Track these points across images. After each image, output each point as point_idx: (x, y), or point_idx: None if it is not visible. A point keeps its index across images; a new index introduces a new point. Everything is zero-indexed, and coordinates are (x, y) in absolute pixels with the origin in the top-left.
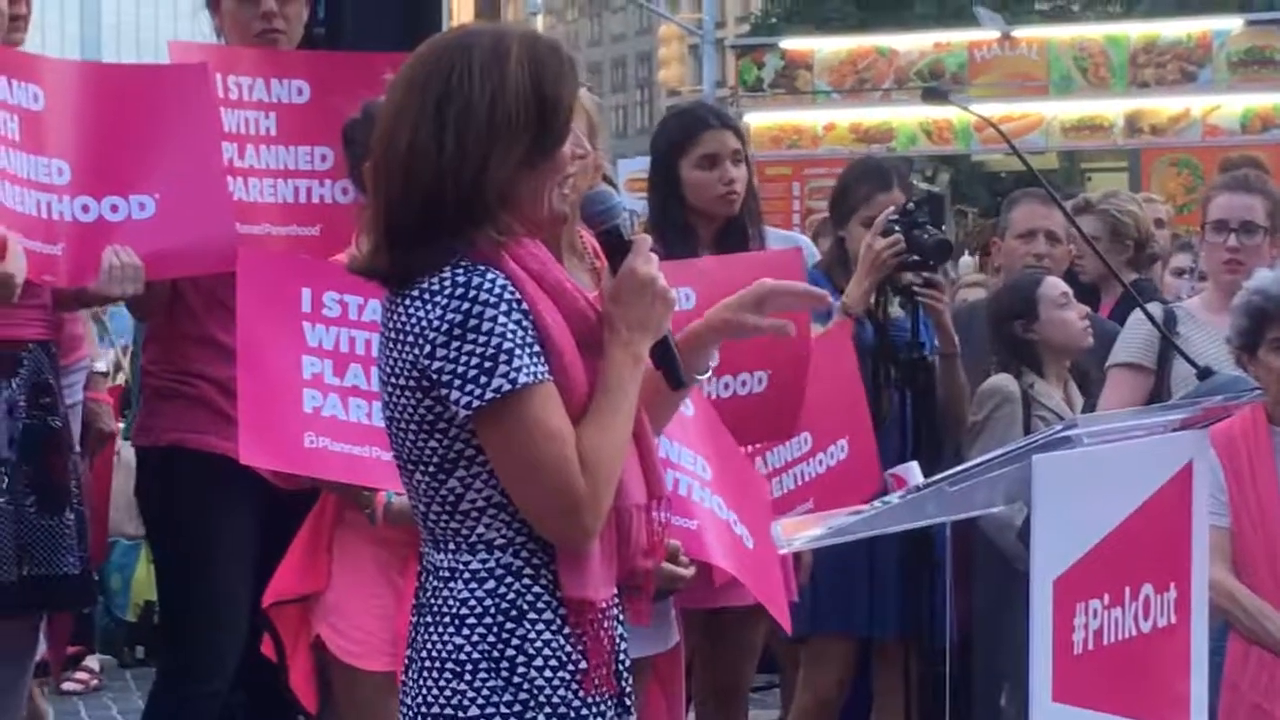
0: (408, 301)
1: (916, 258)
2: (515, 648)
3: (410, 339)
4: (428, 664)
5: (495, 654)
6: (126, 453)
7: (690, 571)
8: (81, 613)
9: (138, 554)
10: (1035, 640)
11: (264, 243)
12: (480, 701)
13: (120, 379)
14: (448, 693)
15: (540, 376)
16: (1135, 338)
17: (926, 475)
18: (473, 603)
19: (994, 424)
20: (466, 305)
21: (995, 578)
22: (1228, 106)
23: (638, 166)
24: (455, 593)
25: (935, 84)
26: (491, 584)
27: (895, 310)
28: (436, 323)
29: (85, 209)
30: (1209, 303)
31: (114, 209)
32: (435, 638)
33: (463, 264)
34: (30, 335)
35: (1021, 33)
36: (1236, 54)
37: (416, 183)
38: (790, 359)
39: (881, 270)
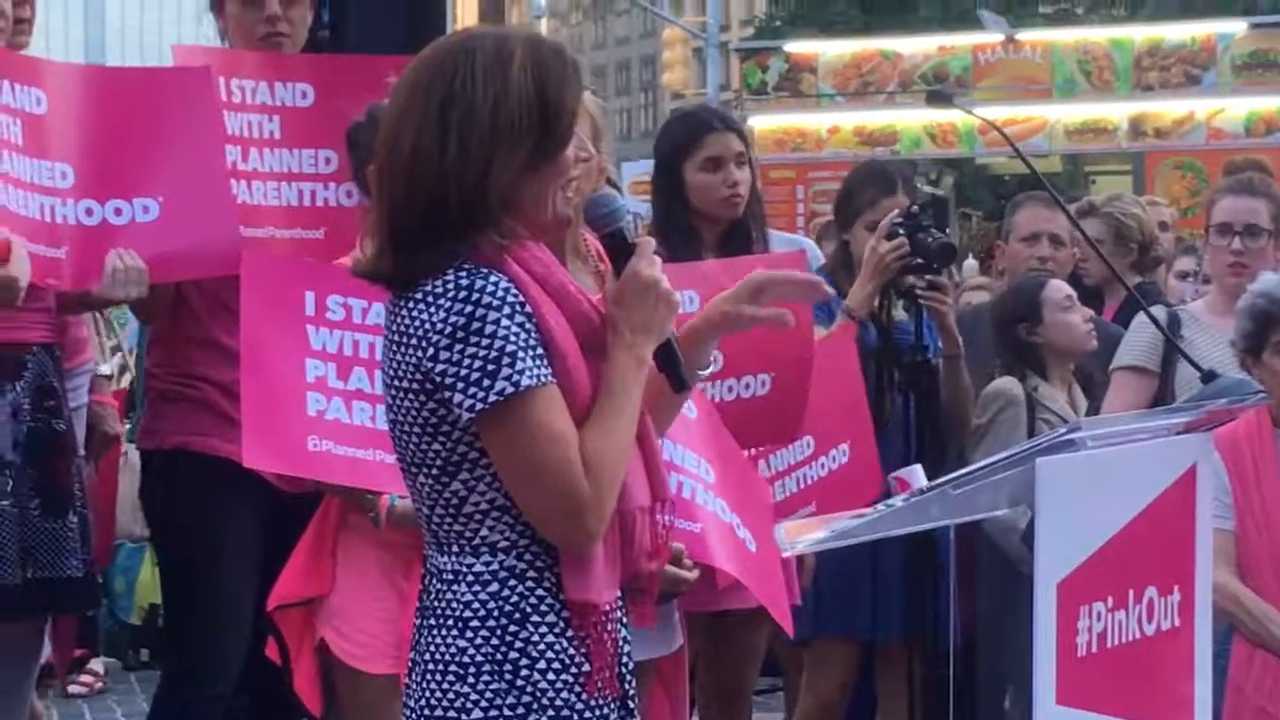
0: (411, 304)
1: (920, 261)
2: (518, 650)
3: (414, 342)
4: (431, 666)
5: (498, 656)
6: (133, 455)
7: (694, 574)
8: (86, 616)
9: (142, 557)
10: (1039, 643)
11: (268, 246)
12: (483, 704)
13: (125, 381)
14: (450, 695)
15: (543, 379)
16: (1139, 341)
17: (930, 478)
18: (476, 605)
19: (998, 427)
20: (470, 308)
21: (999, 581)
22: (1232, 109)
23: (642, 169)
24: (458, 595)
25: (939, 87)
26: (495, 586)
27: (899, 313)
28: (440, 325)
29: (89, 212)
30: (1213, 306)
31: (118, 212)
32: (438, 640)
33: (466, 267)
34: (34, 338)
35: (1026, 36)
36: (1240, 57)
37: (420, 186)
38: (794, 362)
39: (885, 273)
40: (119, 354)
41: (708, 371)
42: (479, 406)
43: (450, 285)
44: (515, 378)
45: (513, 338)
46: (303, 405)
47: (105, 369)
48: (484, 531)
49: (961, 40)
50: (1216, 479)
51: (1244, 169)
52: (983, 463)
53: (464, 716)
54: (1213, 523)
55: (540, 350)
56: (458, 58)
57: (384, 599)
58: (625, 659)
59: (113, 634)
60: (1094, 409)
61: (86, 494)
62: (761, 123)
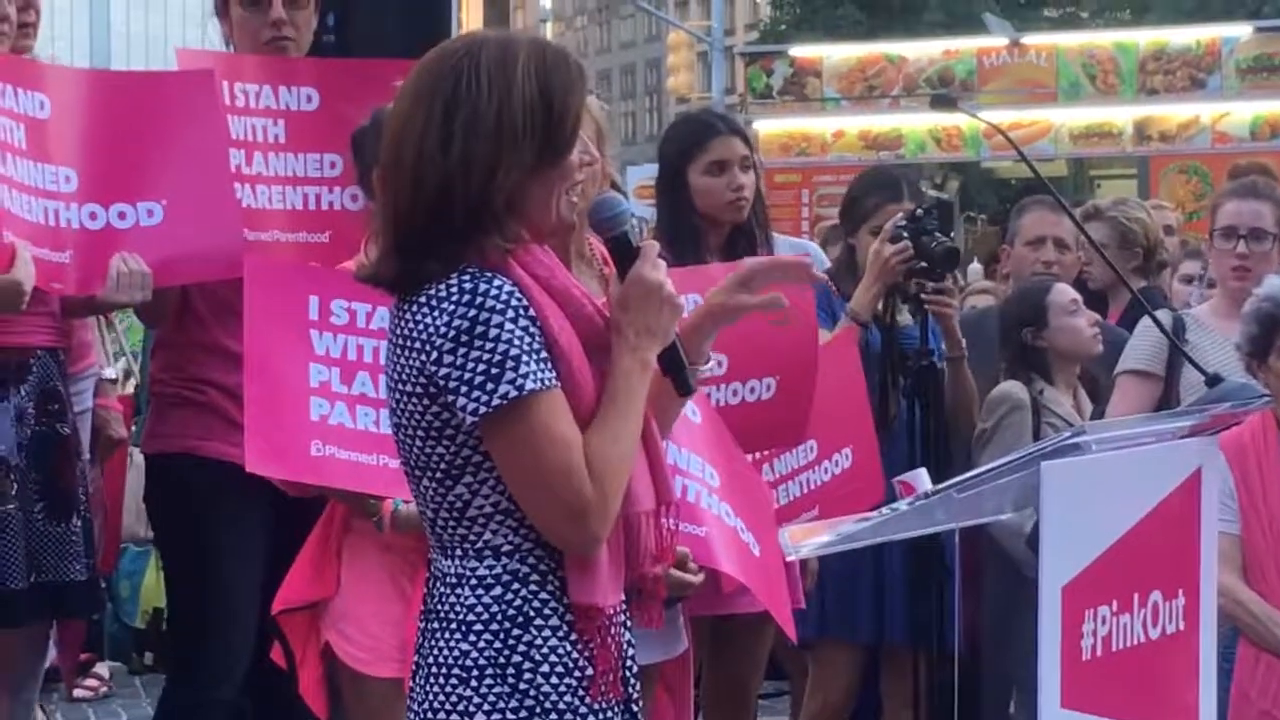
0: (415, 308)
1: (924, 264)
2: (522, 654)
3: (417, 345)
4: (434, 670)
5: (502, 660)
6: (137, 458)
7: (699, 578)
8: (91, 619)
9: (147, 561)
10: (1044, 647)
11: (273, 249)
12: (486, 707)
13: (129, 387)
14: (454, 699)
15: (547, 383)
16: (1144, 345)
17: (935, 482)
18: (479, 609)
19: (1003, 431)
20: (474, 312)
21: (1004, 584)
22: (1237, 113)
23: (646, 173)
24: (462, 599)
25: (944, 91)
26: (498, 590)
27: (904, 318)
28: (444, 329)
29: (93, 216)
30: (1217, 309)
31: (122, 216)
32: (442, 644)
33: (470, 271)
34: (38, 342)
35: (1030, 40)
36: (1245, 61)
37: (424, 190)
38: (799, 365)
39: (889, 276)
40: (122, 359)
41: (707, 370)
42: (483, 410)
43: (454, 289)
44: (519, 381)
45: (516, 341)
46: (306, 410)
47: (110, 372)
48: (487, 535)
49: (966, 44)
50: (1222, 483)
51: (1249, 173)
52: (987, 466)
53: None
54: (1218, 526)
55: (544, 354)
56: (462, 61)
57: (389, 603)
58: (629, 663)
59: (117, 638)
60: (1099, 413)
61: (91, 498)
62: (766, 126)
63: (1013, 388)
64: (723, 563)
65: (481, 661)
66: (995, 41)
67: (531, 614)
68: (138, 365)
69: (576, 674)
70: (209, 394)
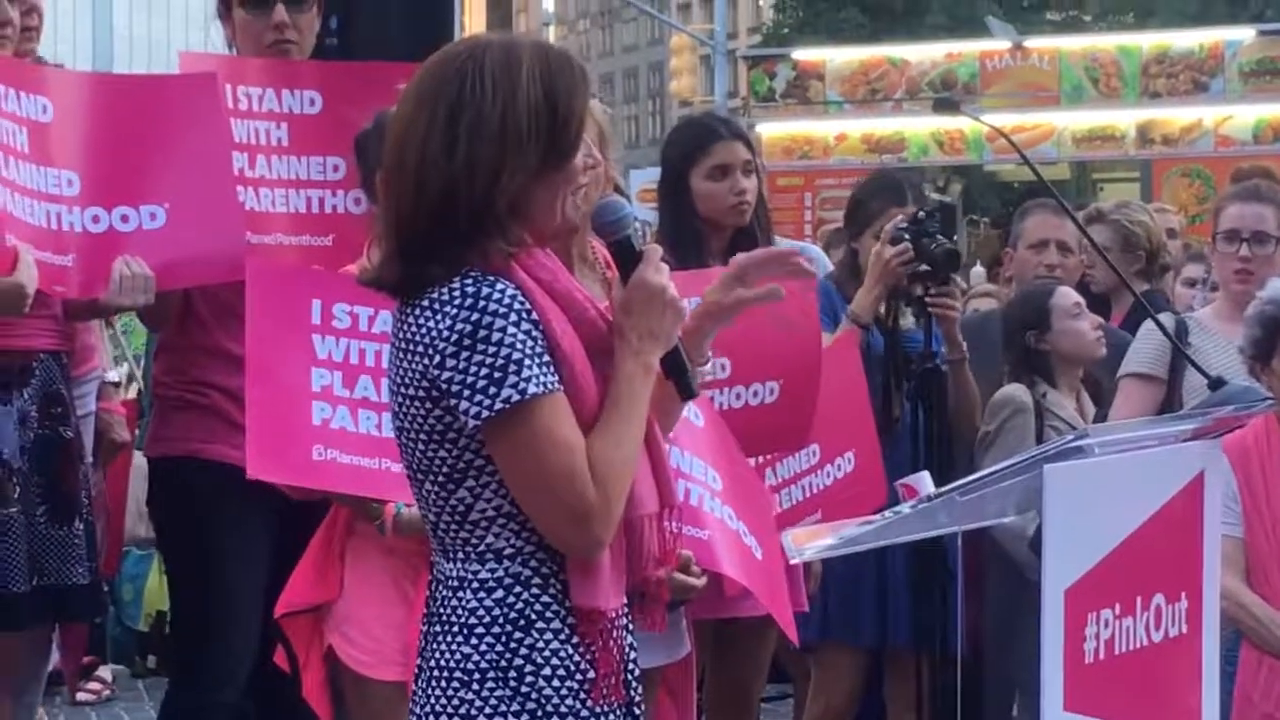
0: (417, 312)
1: (925, 267)
2: (523, 657)
3: (420, 349)
4: (437, 673)
5: (503, 663)
6: (140, 461)
7: (702, 581)
8: (93, 623)
9: (150, 564)
10: (1046, 650)
11: (276, 253)
12: (488, 711)
13: (132, 392)
14: (455, 702)
15: (550, 387)
16: (1146, 348)
17: (938, 485)
18: (481, 612)
19: (1006, 434)
20: (476, 315)
21: (1007, 587)
22: (1240, 117)
23: (649, 177)
24: (464, 602)
25: (947, 94)
26: (500, 593)
27: (907, 321)
28: (446, 333)
29: (95, 219)
30: (1220, 313)
31: (124, 219)
32: (444, 647)
33: (472, 274)
34: (41, 346)
35: (1033, 43)
36: (1248, 64)
37: (427, 194)
38: (802, 369)
39: (889, 278)
40: (124, 364)
41: (708, 371)
42: (485, 414)
43: (457, 292)
44: (522, 385)
45: (519, 345)
46: (308, 414)
47: (113, 376)
48: (489, 538)
49: (969, 47)
50: (1225, 486)
51: (1251, 176)
52: (990, 469)
53: None
54: (1221, 529)
55: (547, 358)
56: (466, 65)
57: (391, 606)
58: (631, 666)
59: (120, 641)
60: (1102, 416)
61: (94, 501)
62: (769, 130)
63: (1016, 391)
64: (725, 566)
65: (483, 665)
66: (998, 45)
67: (533, 617)
68: (140, 371)
69: (578, 677)
70: (211, 397)
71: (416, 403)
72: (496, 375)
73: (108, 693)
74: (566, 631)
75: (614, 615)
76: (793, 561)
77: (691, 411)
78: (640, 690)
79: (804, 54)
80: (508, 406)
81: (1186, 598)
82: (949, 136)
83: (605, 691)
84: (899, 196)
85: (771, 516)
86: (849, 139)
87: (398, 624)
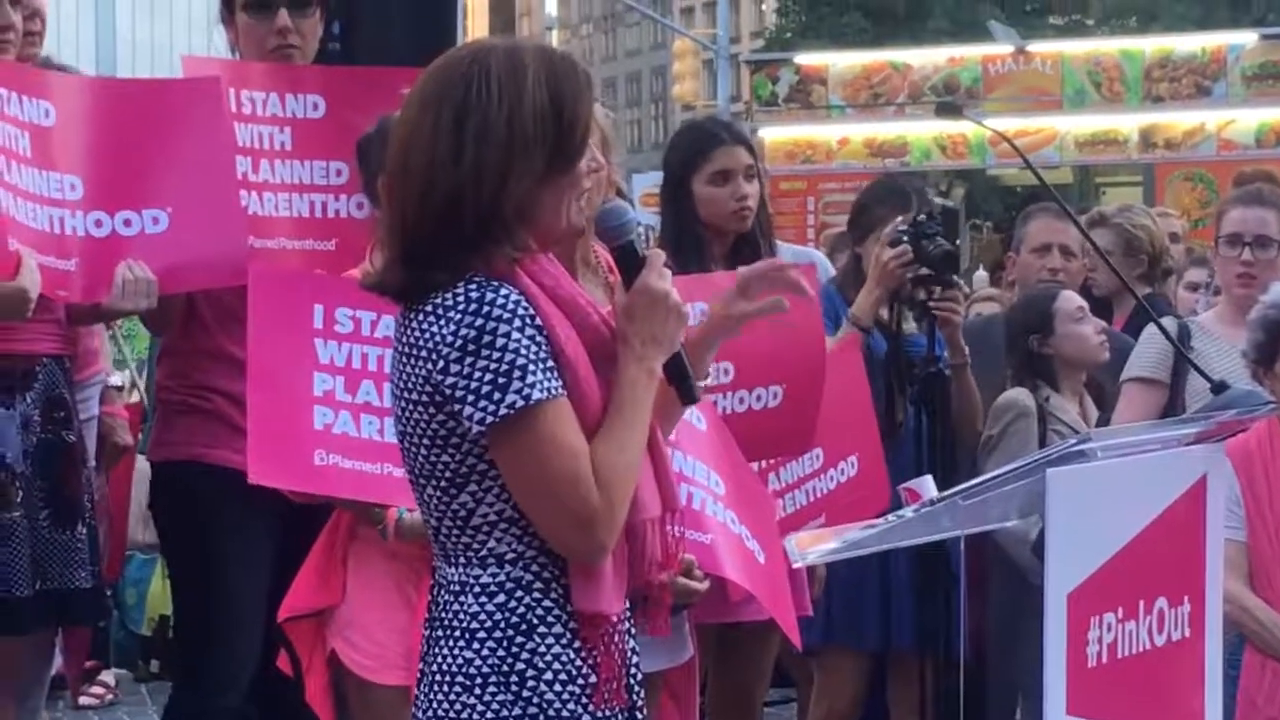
0: (421, 317)
1: (926, 270)
2: (525, 662)
3: (424, 354)
4: (438, 677)
5: (505, 668)
6: (143, 466)
7: (704, 585)
8: (96, 627)
9: (153, 568)
10: (1050, 653)
11: (279, 257)
12: (490, 715)
13: (134, 396)
14: (458, 706)
15: (554, 392)
16: (1149, 352)
17: (941, 489)
18: (483, 616)
19: (1009, 438)
20: (480, 321)
21: (1010, 591)
22: (1242, 121)
23: (652, 181)
24: (465, 606)
25: (949, 98)
26: (502, 598)
27: (909, 325)
28: (450, 338)
29: (98, 224)
30: (1222, 316)
31: (127, 223)
32: (446, 651)
33: (477, 279)
34: (44, 350)
35: (1036, 47)
36: (1251, 68)
37: (434, 198)
38: (805, 373)
39: (889, 280)
40: (126, 369)
41: (708, 382)
42: (489, 419)
43: (460, 298)
44: (526, 391)
45: (523, 350)
46: (310, 419)
47: (116, 380)
48: (491, 543)
49: (971, 52)
50: (1228, 489)
51: (1254, 180)
52: (993, 473)
53: None
54: (1224, 533)
55: (551, 363)
56: (471, 69)
57: (395, 610)
58: (633, 670)
59: (123, 645)
60: (1105, 420)
61: (97, 505)
62: (771, 134)
63: (1019, 395)
64: (728, 570)
65: (485, 669)
66: (1000, 49)
67: (535, 621)
68: (142, 377)
69: (580, 681)
70: (215, 401)
71: (419, 408)
72: (501, 381)
73: (111, 697)
74: (568, 636)
75: (616, 620)
76: (796, 566)
77: (694, 415)
78: (642, 695)
79: (807, 58)
80: (512, 412)
81: (1189, 601)
82: (951, 141)
83: (607, 696)
84: (904, 202)
85: (774, 520)
86: (851, 143)
87: (400, 628)
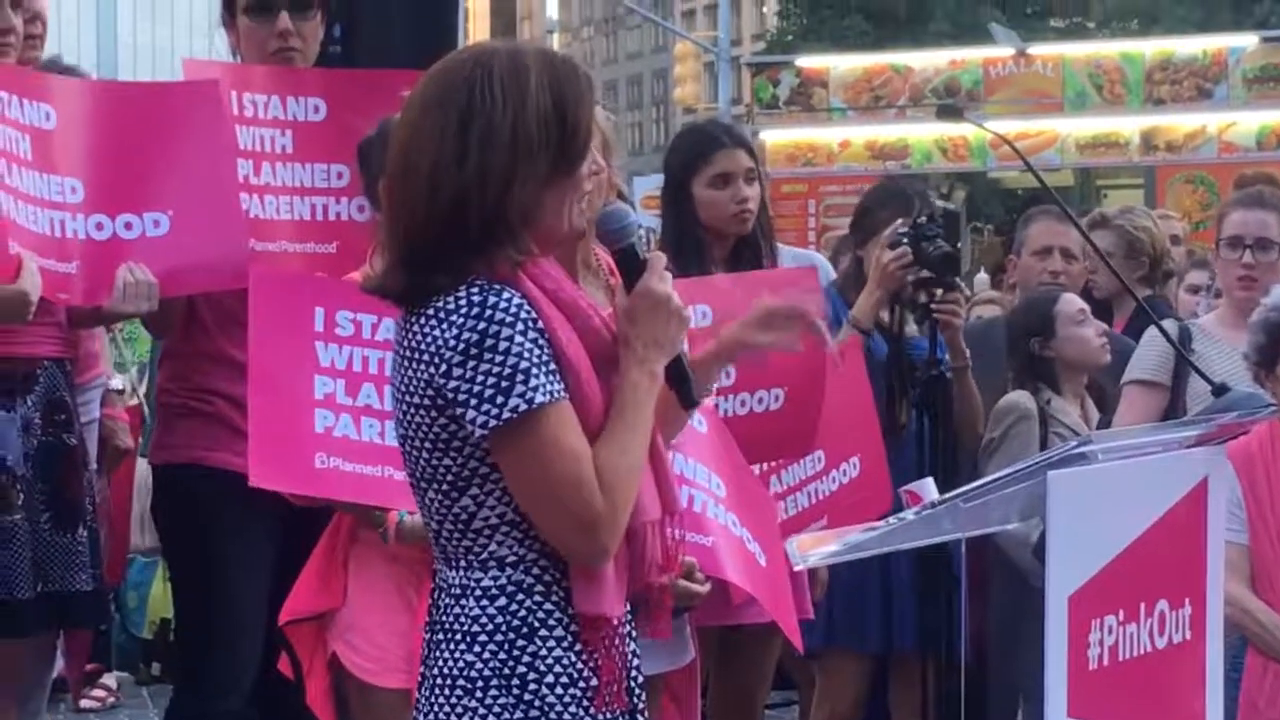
0: (423, 320)
1: (926, 272)
2: (526, 665)
3: (426, 358)
4: (440, 681)
5: (506, 671)
6: (145, 468)
7: (705, 588)
8: (98, 630)
9: (154, 571)
10: (1050, 656)
11: (280, 260)
12: (491, 718)
13: (135, 400)
14: (459, 710)
15: (557, 396)
16: (1150, 355)
17: (942, 491)
18: (484, 620)
19: (1010, 441)
20: (483, 325)
21: (1011, 593)
22: (1243, 123)
23: (653, 184)
24: (467, 610)
25: (950, 101)
26: (503, 601)
27: (910, 328)
28: (453, 342)
29: (99, 227)
30: (1223, 319)
31: (128, 226)
32: (447, 655)
33: (478, 283)
34: (45, 353)
35: (1037, 50)
36: (1252, 71)
37: (438, 202)
38: (807, 376)
39: (889, 282)
40: (126, 373)
41: (709, 394)
42: (492, 423)
43: (463, 301)
44: (529, 394)
45: (526, 354)
46: (310, 422)
47: (117, 383)
48: (492, 546)
49: (972, 54)
50: (1229, 492)
51: (1255, 182)
52: (994, 476)
53: None
54: (1225, 536)
55: (553, 366)
56: (474, 73)
57: (396, 613)
58: (634, 673)
59: (125, 648)
60: (1106, 422)
61: (98, 508)
62: (773, 137)
63: (1020, 397)
64: (729, 572)
65: (486, 672)
66: (1001, 52)
67: (536, 625)
68: (143, 382)
69: (581, 684)
70: (216, 404)
71: (421, 411)
72: (504, 384)
73: (112, 700)
74: (569, 639)
75: (617, 623)
76: (797, 568)
77: (695, 418)
78: (643, 697)
79: (808, 61)
80: (515, 416)
81: (1191, 604)
82: (953, 143)
83: (608, 699)
84: (906, 205)
85: (775, 523)
86: (853, 146)
87: (401, 631)
